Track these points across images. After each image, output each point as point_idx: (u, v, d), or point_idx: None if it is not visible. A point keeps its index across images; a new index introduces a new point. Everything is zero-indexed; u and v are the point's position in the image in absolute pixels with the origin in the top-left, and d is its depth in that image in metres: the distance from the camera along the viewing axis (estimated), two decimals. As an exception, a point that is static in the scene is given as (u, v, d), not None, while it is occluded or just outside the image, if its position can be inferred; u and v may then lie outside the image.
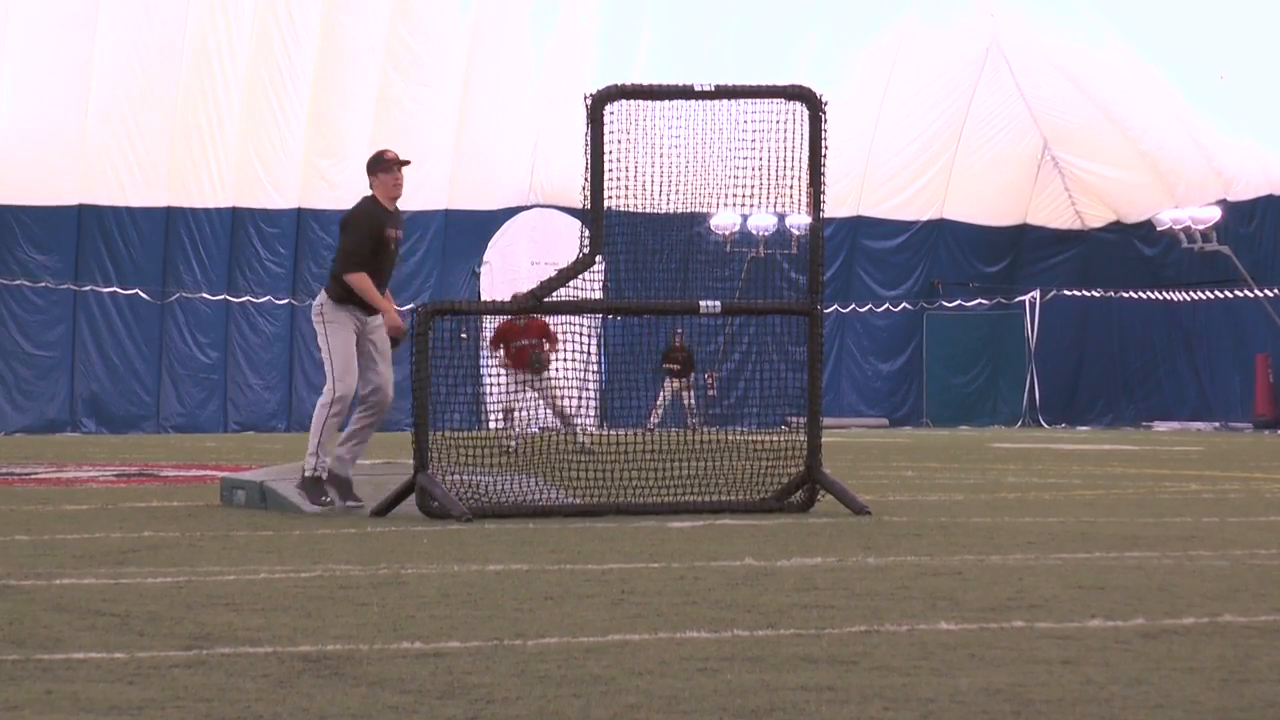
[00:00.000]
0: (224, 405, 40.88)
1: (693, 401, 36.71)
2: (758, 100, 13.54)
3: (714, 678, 5.54)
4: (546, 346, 24.13)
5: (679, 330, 32.82)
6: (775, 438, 13.79)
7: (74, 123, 38.76)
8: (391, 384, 13.37)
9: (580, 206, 13.07)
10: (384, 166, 13.38)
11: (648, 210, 13.67)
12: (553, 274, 13.21)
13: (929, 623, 6.82)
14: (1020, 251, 47.45)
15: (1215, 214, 41.39)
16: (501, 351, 24.39)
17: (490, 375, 14.47)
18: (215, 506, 13.98)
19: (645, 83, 13.38)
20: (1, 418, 38.79)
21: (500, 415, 24.32)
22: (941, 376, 46.88)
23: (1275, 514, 13.14)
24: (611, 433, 14.24)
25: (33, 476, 19.03)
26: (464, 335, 18.50)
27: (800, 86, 13.49)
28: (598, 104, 12.93)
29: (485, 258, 42.74)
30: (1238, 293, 42.30)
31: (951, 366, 46.94)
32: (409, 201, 14.07)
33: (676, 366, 35.84)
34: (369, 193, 13.57)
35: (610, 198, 12.99)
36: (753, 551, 9.88)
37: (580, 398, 15.21)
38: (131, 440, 34.99)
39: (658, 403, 35.97)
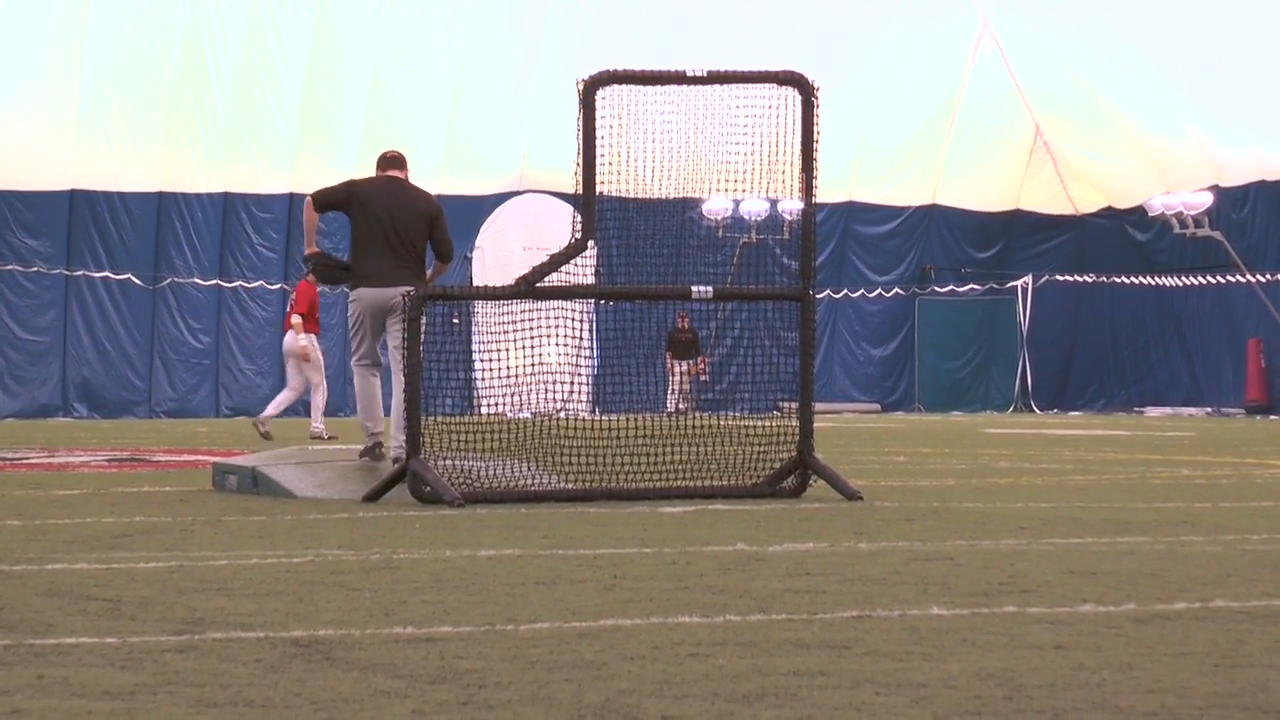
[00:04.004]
0: (216, 390, 40.86)
1: (687, 385, 36.85)
2: (750, 85, 13.53)
3: (706, 662, 5.55)
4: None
5: (683, 311, 33.02)
6: (767, 423, 13.80)
7: (66, 107, 38.71)
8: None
9: (572, 192, 13.07)
10: None
11: (640, 195, 13.67)
12: (545, 259, 13.20)
13: (920, 608, 6.83)
14: (1012, 237, 47.47)
15: (1207, 199, 41.40)
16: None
17: (481, 360, 14.46)
18: (207, 491, 13.98)
19: (637, 68, 13.36)
20: (-7, 403, 38.81)
21: None
22: (933, 362, 46.91)
23: (1267, 499, 13.15)
24: (604, 418, 14.25)
25: (24, 461, 19.02)
26: (456, 320, 18.46)
27: (792, 71, 13.48)
28: (590, 89, 12.92)
29: (477, 243, 42.70)
30: (1230, 278, 42.34)
31: (943, 352, 46.96)
32: (400, 186, 14.26)
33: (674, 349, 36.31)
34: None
35: (602, 183, 12.99)
36: (744, 536, 9.89)
37: (573, 383, 15.19)
38: (123, 425, 34.97)
39: (671, 388, 36.30)
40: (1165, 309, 44.96)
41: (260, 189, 40.83)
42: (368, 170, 14.49)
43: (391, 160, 14.27)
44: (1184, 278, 44.18)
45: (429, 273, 14.08)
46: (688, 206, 15.58)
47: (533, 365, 14.17)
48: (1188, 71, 40.82)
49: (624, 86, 13.18)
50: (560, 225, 18.10)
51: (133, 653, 5.75)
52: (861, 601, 7.03)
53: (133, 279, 40.04)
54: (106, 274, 39.88)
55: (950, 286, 47.10)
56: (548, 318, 13.84)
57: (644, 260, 14.11)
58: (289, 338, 25.19)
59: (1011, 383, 47.07)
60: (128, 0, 38.66)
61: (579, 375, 15.44)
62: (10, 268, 39.15)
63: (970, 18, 44.54)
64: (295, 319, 24.87)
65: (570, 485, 13.08)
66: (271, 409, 24.92)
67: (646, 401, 16.31)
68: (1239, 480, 15.58)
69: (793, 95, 13.39)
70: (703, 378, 37.61)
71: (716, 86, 13.46)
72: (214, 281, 40.79)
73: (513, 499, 12.61)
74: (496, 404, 14.33)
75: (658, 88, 13.36)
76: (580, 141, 12.87)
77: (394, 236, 13.74)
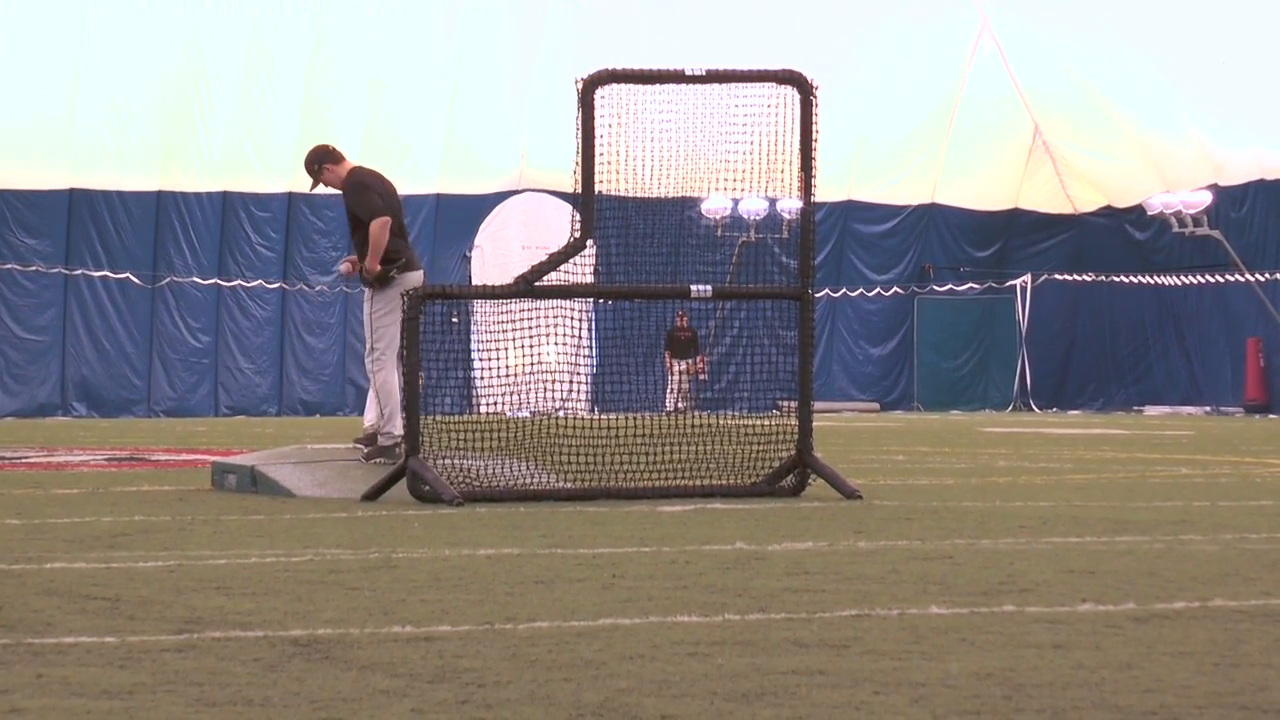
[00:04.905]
0: (215, 389, 40.87)
1: (686, 384, 36.87)
2: (749, 85, 13.53)
3: (705, 662, 5.55)
4: None
5: (682, 310, 33.04)
6: (766, 422, 13.79)
7: (64, 106, 38.72)
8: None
9: (571, 191, 13.06)
10: None
11: (639, 194, 13.67)
12: (544, 258, 13.20)
13: (920, 607, 6.83)
14: (1011, 236, 47.46)
15: (1206, 198, 41.39)
16: None
17: (480, 359, 14.48)
18: (206, 490, 13.98)
19: (636, 67, 13.35)
20: (-8, 402, 38.83)
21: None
22: (932, 361, 46.90)
23: (1265, 498, 13.15)
24: (603, 417, 14.25)
25: (23, 460, 19.02)
26: (455, 320, 18.42)
27: (791, 70, 13.47)
28: (589, 88, 12.92)
29: (476, 242, 42.71)
30: (1228, 277, 42.34)
31: (942, 351, 46.97)
32: (399, 185, 14.33)
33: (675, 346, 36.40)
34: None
35: (601, 182, 12.98)
36: (743, 536, 9.89)
37: (572, 382, 15.19)
38: (122, 424, 34.97)
39: (670, 387, 36.34)
40: (1164, 308, 44.97)
41: (259, 188, 40.82)
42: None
43: (337, 152, 14.40)
44: (1183, 277, 44.18)
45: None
46: (686, 205, 15.58)
47: (532, 364, 14.18)
48: (1187, 71, 40.81)
49: (623, 85, 13.17)
50: (559, 224, 18.13)
51: (131, 652, 5.75)
52: (860, 600, 7.03)
53: (132, 278, 40.04)
54: (105, 273, 39.87)
55: (949, 285, 47.10)
56: (547, 317, 13.84)
57: (643, 259, 14.10)
58: None
59: (1010, 381, 47.07)
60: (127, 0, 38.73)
61: (578, 374, 15.44)
62: (9, 267, 39.15)
63: (970, 17, 44.54)
64: None
65: (569, 484, 13.08)
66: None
67: (645, 400, 16.30)
68: (1238, 479, 15.58)
69: (791, 94, 13.38)
70: (702, 377, 37.62)
71: (715, 85, 13.46)
72: (213, 281, 40.79)
73: (512, 498, 12.61)
74: (495, 403, 14.33)
75: (657, 87, 13.35)
76: (579, 140, 12.86)
77: (401, 219, 14.02)
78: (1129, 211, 45.26)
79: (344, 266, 15.06)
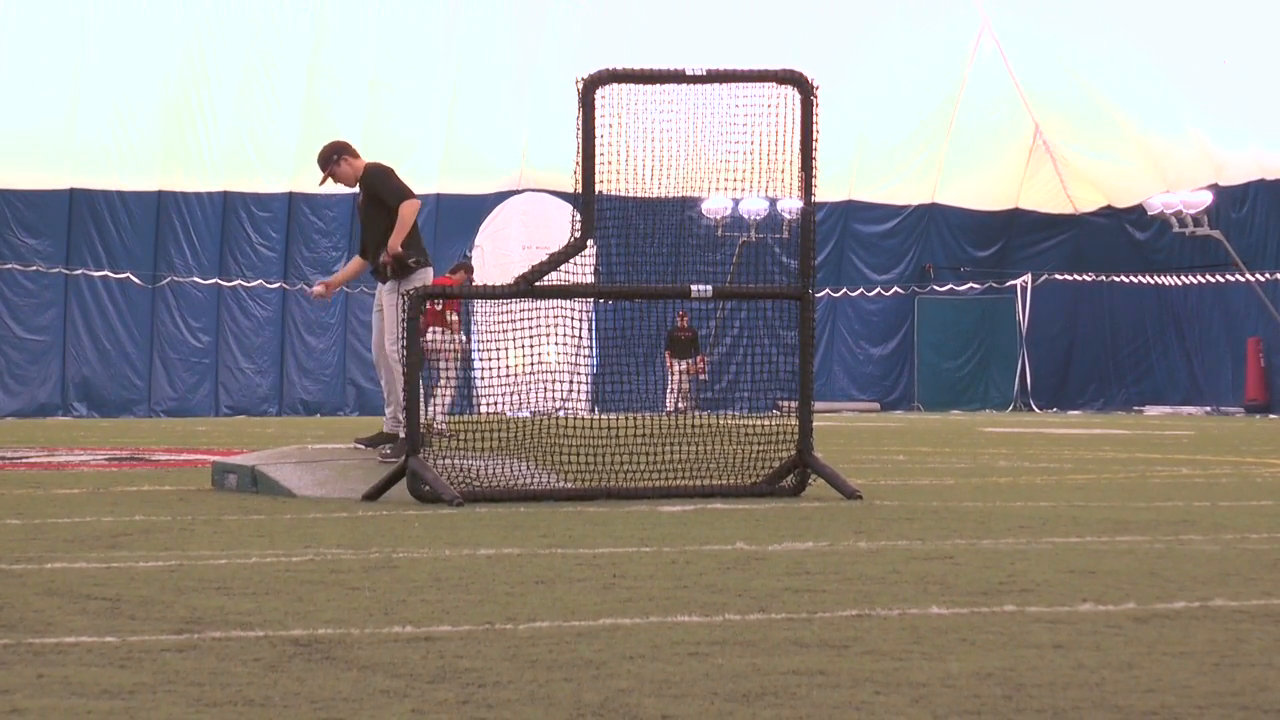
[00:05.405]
0: (215, 389, 40.89)
1: (686, 384, 36.88)
2: (749, 84, 13.53)
3: (705, 661, 5.54)
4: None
5: (682, 310, 33.06)
6: (767, 422, 13.79)
7: (65, 106, 38.72)
8: (378, 344, 14.18)
9: (572, 190, 13.06)
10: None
11: (639, 194, 13.66)
12: (544, 258, 13.19)
13: (920, 607, 6.83)
14: (1012, 236, 47.49)
15: (1206, 198, 41.42)
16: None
17: (481, 359, 14.50)
18: (206, 490, 13.97)
19: (637, 67, 13.34)
20: (-8, 402, 38.83)
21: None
22: (933, 361, 46.93)
23: (1266, 498, 13.15)
24: (603, 417, 14.24)
25: (24, 460, 19.02)
26: (455, 319, 18.36)
27: (791, 70, 13.47)
28: (589, 88, 12.92)
29: (477, 241, 42.72)
30: (1229, 277, 42.36)
31: (943, 351, 46.99)
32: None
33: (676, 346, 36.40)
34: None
35: (602, 182, 12.98)
36: (744, 536, 9.89)
37: (572, 382, 15.19)
38: (123, 424, 34.97)
39: (671, 386, 36.36)
40: (1164, 308, 44.99)
41: (260, 188, 40.84)
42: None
43: (353, 147, 14.40)
44: (1183, 277, 44.20)
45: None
46: (687, 205, 15.57)
47: (532, 364, 14.17)
48: (1187, 70, 40.83)
49: (623, 85, 13.17)
50: (560, 224, 18.20)
51: (132, 652, 5.75)
52: (861, 600, 7.03)
53: (132, 278, 40.04)
54: (106, 273, 39.88)
55: (949, 285, 47.12)
56: (547, 317, 13.83)
57: (643, 259, 14.09)
58: (445, 336, 24.39)
59: (1011, 381, 47.08)
60: (128, -1, 38.74)
61: (578, 374, 15.43)
62: (10, 267, 39.15)
63: (970, 17, 44.56)
64: (454, 317, 24.22)
65: (569, 484, 13.08)
66: (441, 413, 24.42)
67: (646, 400, 16.30)
68: (1238, 479, 15.58)
69: (792, 94, 13.38)
70: (702, 377, 37.64)
71: (716, 85, 13.46)
72: (213, 280, 40.80)
73: (512, 498, 12.61)
74: (496, 403, 14.33)
75: (657, 86, 13.35)
76: (580, 140, 12.86)
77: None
78: (1129, 211, 45.29)
79: (318, 289, 15.03)
